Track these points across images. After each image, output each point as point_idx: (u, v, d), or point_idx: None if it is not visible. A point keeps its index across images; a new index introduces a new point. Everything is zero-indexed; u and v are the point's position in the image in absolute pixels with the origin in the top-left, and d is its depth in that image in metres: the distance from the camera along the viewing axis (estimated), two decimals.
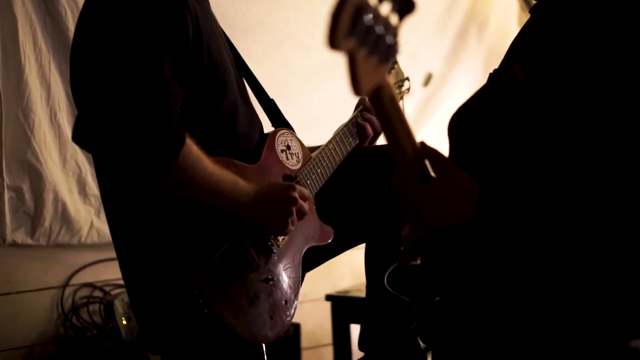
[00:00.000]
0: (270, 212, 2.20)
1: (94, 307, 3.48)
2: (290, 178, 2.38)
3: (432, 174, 1.43)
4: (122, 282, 3.56)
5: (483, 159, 1.52)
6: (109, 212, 2.28)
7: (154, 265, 2.16)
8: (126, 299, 3.33)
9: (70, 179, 3.39)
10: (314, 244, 2.46)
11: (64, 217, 3.39)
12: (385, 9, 1.22)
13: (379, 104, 1.37)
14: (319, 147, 2.55)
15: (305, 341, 3.89)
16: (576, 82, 1.46)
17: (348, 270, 4.12)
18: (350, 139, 2.58)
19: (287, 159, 2.40)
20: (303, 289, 4.04)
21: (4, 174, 3.23)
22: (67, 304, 3.45)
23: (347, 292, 3.81)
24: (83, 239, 3.46)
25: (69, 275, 3.47)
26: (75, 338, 3.35)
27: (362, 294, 3.31)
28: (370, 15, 1.18)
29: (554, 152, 1.45)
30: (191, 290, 2.09)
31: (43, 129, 3.28)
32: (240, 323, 2.15)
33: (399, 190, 1.46)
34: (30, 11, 3.26)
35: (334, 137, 2.57)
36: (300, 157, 2.44)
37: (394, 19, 1.24)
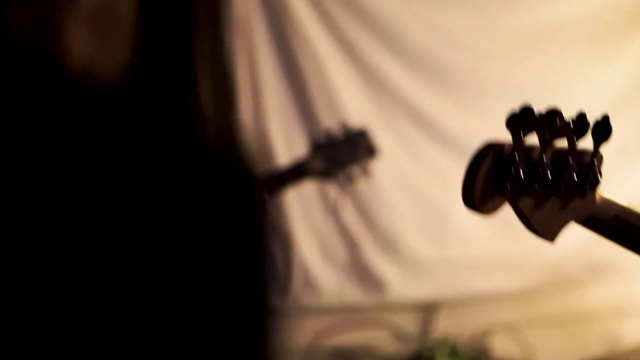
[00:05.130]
0: None
1: None
2: None
3: None
4: None
5: None
6: None
7: None
8: None
9: (313, 242, 3.44)
10: None
11: (307, 280, 3.43)
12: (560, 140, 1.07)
13: (601, 231, 1.21)
14: None
15: None
16: None
17: (600, 336, 3.93)
18: None
19: None
20: (549, 354, 3.91)
21: None
22: None
23: None
24: (326, 302, 3.48)
25: (311, 338, 3.49)
26: None
27: None
28: (521, 168, 1.03)
29: None
30: None
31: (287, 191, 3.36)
32: None
33: None
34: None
35: None
36: None
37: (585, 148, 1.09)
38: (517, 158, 1.04)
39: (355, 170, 2.63)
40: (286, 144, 3.36)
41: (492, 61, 3.77)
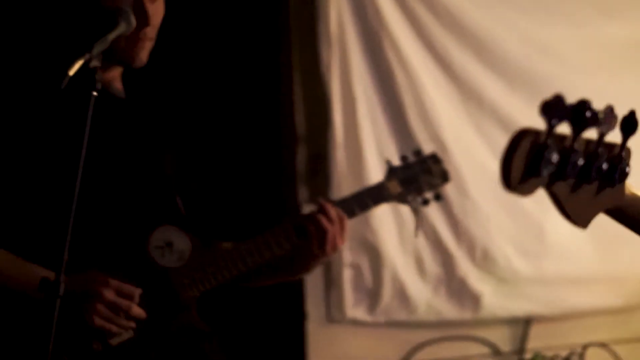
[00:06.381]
0: (73, 305, 2.05)
1: None
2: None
3: None
4: None
5: None
6: None
7: None
8: None
9: (408, 257, 3.43)
10: None
11: (401, 295, 3.42)
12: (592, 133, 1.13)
13: (629, 225, 1.29)
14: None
15: None
16: None
17: None
18: (282, 240, 2.31)
19: (163, 255, 2.26)
20: None
21: (344, 251, 3.32)
22: None
23: None
24: (420, 317, 3.47)
25: (405, 354, 3.49)
26: None
27: None
28: (554, 153, 1.08)
29: None
30: None
31: (382, 208, 3.34)
32: None
33: None
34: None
35: (256, 237, 2.32)
36: (187, 254, 2.28)
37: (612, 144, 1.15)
38: (549, 144, 1.08)
39: (429, 194, 2.59)
40: (379, 158, 3.36)
41: (589, 74, 3.71)
